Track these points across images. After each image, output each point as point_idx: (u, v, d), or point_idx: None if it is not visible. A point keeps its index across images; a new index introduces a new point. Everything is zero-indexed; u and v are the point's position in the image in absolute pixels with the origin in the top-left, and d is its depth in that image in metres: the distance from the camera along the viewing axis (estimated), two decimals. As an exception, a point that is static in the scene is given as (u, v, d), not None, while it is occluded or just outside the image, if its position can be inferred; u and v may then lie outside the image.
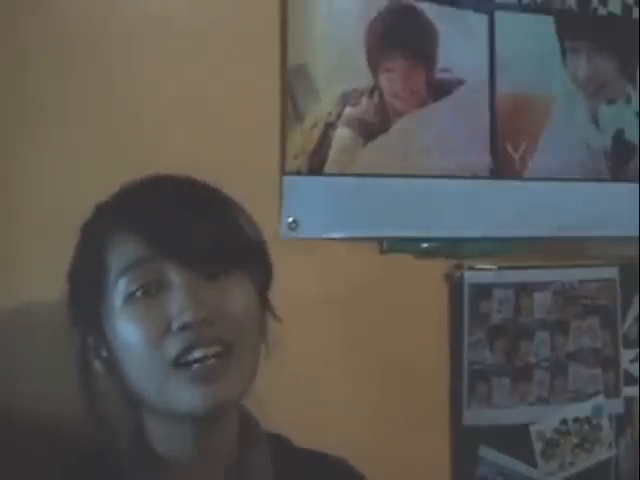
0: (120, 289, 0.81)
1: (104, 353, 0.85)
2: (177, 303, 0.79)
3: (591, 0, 1.45)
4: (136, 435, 0.86)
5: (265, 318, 0.88)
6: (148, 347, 0.79)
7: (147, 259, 0.81)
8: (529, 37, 1.40)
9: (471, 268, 1.35)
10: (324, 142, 1.25)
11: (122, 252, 0.81)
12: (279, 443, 0.94)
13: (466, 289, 1.35)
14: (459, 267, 1.35)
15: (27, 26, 1.10)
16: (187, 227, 0.81)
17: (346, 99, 1.26)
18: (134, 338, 0.80)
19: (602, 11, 1.46)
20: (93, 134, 1.12)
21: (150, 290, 0.81)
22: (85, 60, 1.13)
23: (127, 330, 0.80)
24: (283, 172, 1.23)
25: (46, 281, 1.10)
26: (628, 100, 1.49)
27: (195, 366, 0.78)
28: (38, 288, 1.09)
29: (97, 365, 0.86)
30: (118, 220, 0.83)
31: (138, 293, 0.81)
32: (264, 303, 0.88)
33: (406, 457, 1.29)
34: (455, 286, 1.35)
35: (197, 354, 0.79)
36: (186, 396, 0.79)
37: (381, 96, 1.29)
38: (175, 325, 0.79)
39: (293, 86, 1.23)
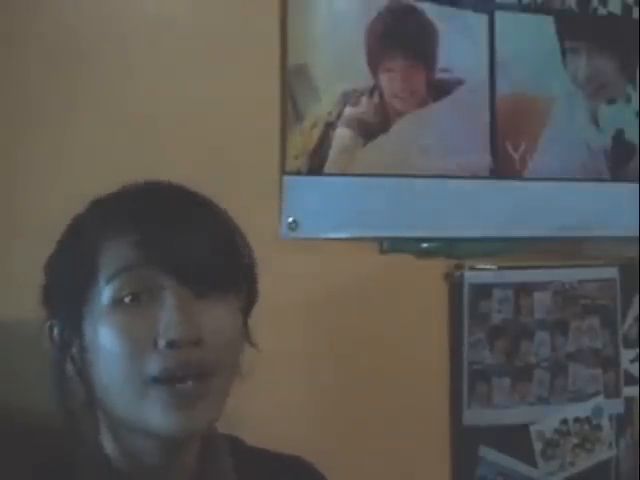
0: (108, 292, 0.77)
1: (75, 353, 0.81)
2: (167, 318, 0.76)
3: (591, 0, 1.45)
4: (92, 443, 0.83)
5: (243, 345, 0.84)
6: (129, 358, 0.76)
7: (141, 266, 0.78)
8: (529, 37, 1.40)
9: (471, 268, 1.35)
10: (324, 142, 1.25)
11: (116, 255, 0.78)
12: (235, 445, 0.91)
13: (466, 289, 1.35)
14: (459, 267, 1.35)
15: (27, 26, 1.10)
16: (185, 241, 0.78)
17: (346, 99, 1.27)
18: (115, 346, 0.76)
19: (602, 11, 1.46)
20: (93, 134, 1.12)
21: (139, 298, 0.77)
22: (85, 60, 1.13)
23: (109, 336, 0.77)
24: (283, 172, 1.23)
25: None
26: (628, 100, 1.49)
27: (173, 387, 0.75)
28: (38, 288, 1.09)
29: (68, 364, 0.82)
30: (116, 221, 0.80)
31: (127, 299, 0.77)
32: (244, 327, 0.85)
33: (406, 457, 1.29)
34: (455, 286, 1.35)
35: (179, 373, 0.76)
36: (161, 417, 0.76)
37: (381, 96, 1.29)
38: (162, 341, 0.76)
39: (293, 86, 1.24)
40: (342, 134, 1.26)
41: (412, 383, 1.32)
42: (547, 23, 1.42)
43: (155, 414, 0.76)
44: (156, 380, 0.76)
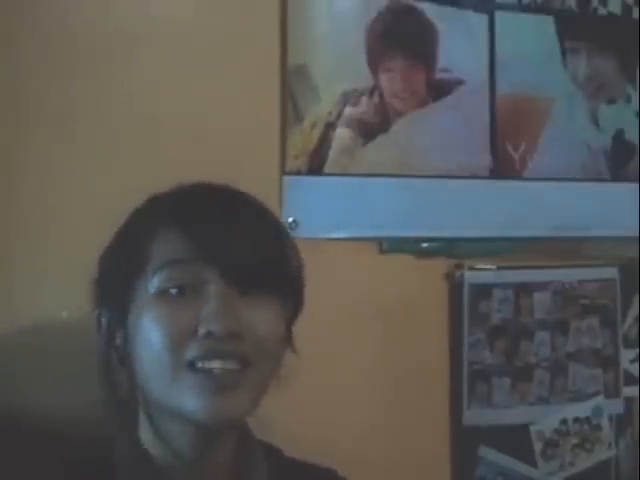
0: (155, 282, 0.81)
1: (118, 340, 0.85)
2: (208, 310, 0.79)
3: (591, 0, 1.45)
4: (131, 436, 0.86)
5: (285, 349, 0.88)
6: (169, 345, 0.79)
7: (189, 261, 0.81)
8: (529, 37, 1.40)
9: (471, 268, 1.35)
10: (324, 142, 1.25)
11: (167, 247, 0.82)
12: (272, 454, 0.93)
13: (466, 289, 1.35)
14: (459, 267, 1.35)
15: (27, 26, 1.10)
16: (234, 240, 0.82)
17: (346, 99, 1.27)
18: (157, 333, 0.79)
19: (602, 11, 1.46)
20: (93, 134, 1.12)
21: (185, 291, 0.81)
22: (85, 60, 1.13)
23: (152, 324, 0.80)
24: (283, 172, 1.23)
25: (46, 281, 1.10)
26: (628, 100, 1.49)
27: (209, 372, 0.78)
28: (38, 288, 1.09)
29: (112, 353, 0.86)
30: (168, 216, 0.83)
31: (173, 291, 0.81)
32: (288, 334, 0.89)
33: (406, 457, 1.29)
34: (455, 286, 1.35)
35: (215, 364, 0.79)
36: (196, 401, 0.79)
37: (381, 96, 1.29)
38: (201, 331, 0.79)
39: (293, 86, 1.24)
40: (342, 134, 1.26)
41: (412, 383, 1.32)
42: (547, 23, 1.42)
43: (190, 398, 0.79)
44: (192, 365, 0.79)
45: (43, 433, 1.03)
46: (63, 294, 1.09)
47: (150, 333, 0.80)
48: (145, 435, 0.86)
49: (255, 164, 1.20)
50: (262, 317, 0.82)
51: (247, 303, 0.81)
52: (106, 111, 1.13)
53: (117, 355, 0.85)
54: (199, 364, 0.79)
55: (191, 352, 0.79)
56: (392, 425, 1.29)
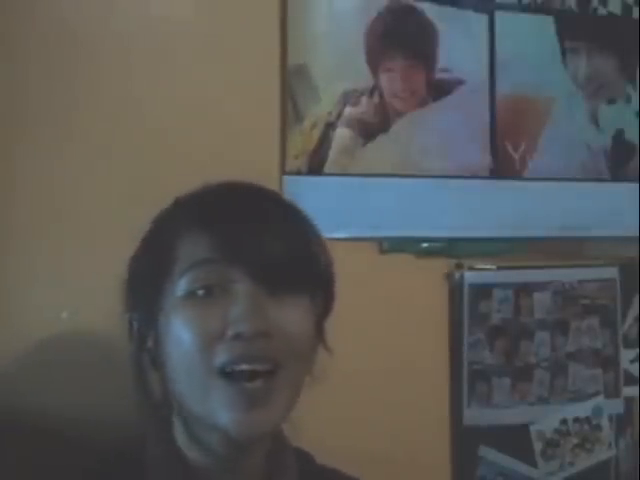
0: (183, 284, 0.80)
1: (150, 343, 0.84)
2: (237, 311, 0.78)
3: (591, 0, 1.45)
4: (167, 437, 0.85)
5: (317, 347, 0.87)
6: (198, 349, 0.78)
7: (216, 261, 0.80)
8: (529, 37, 1.40)
9: (471, 268, 1.35)
10: (324, 142, 1.25)
11: (193, 248, 0.81)
12: (302, 459, 0.93)
13: (466, 289, 1.35)
14: (459, 267, 1.35)
15: (27, 27, 1.10)
16: (261, 238, 0.81)
17: (346, 99, 1.27)
18: (186, 336, 0.78)
19: (602, 11, 1.46)
20: (93, 134, 1.12)
21: (212, 292, 0.80)
22: (85, 60, 1.13)
23: (181, 327, 0.79)
24: (283, 172, 1.23)
25: (46, 283, 1.10)
26: (628, 100, 1.49)
27: (241, 385, 0.77)
28: (38, 288, 1.09)
29: (145, 357, 0.85)
30: (195, 217, 0.83)
31: (200, 292, 0.80)
32: (319, 332, 0.88)
33: (406, 457, 1.29)
34: (455, 286, 1.35)
35: (245, 367, 0.78)
36: (228, 416, 0.78)
37: (381, 96, 1.29)
38: (230, 332, 0.78)
39: (293, 86, 1.24)
40: (342, 134, 1.26)
41: (412, 383, 1.32)
42: (547, 23, 1.42)
43: (223, 412, 0.78)
44: (222, 370, 0.77)
45: (44, 434, 1.04)
46: (63, 294, 1.09)
47: (180, 336, 0.79)
48: (179, 436, 0.85)
49: (255, 164, 1.20)
50: (291, 316, 0.81)
51: (276, 302, 0.80)
52: (106, 111, 1.13)
53: (149, 358, 0.84)
54: (229, 368, 0.77)
55: (221, 355, 0.78)
56: (392, 425, 1.29)
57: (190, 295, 0.80)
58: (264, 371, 0.78)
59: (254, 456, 0.85)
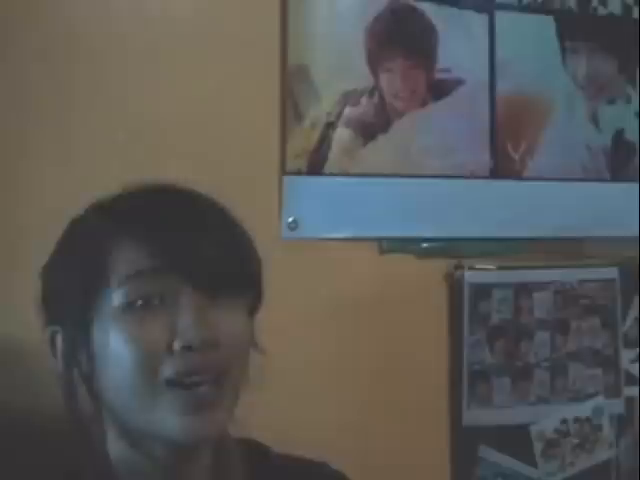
0: (120, 296, 0.76)
1: (82, 359, 0.79)
2: (183, 321, 0.75)
3: (591, 0, 1.45)
4: (99, 451, 0.82)
5: (250, 348, 0.84)
6: (142, 362, 0.75)
7: (154, 270, 0.76)
8: (529, 37, 1.40)
9: (471, 268, 1.35)
10: (324, 142, 1.25)
11: (127, 258, 0.77)
12: (255, 451, 0.90)
13: (466, 289, 1.35)
14: (459, 267, 1.35)
15: (26, 27, 1.10)
16: (195, 243, 0.78)
17: (346, 99, 1.27)
18: (127, 350, 0.75)
19: (602, 11, 1.46)
20: (93, 134, 1.12)
21: (151, 302, 0.76)
22: (85, 60, 1.13)
23: (121, 340, 0.75)
24: (283, 172, 1.23)
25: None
26: (628, 100, 1.49)
27: (189, 390, 0.75)
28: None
29: (74, 372, 0.80)
30: (125, 224, 0.79)
31: (139, 303, 0.76)
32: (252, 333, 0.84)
33: (406, 457, 1.29)
34: (455, 286, 1.35)
35: (195, 378, 0.75)
36: (175, 422, 0.75)
37: (381, 96, 1.29)
38: (178, 344, 0.75)
39: (293, 86, 1.24)
40: (342, 134, 1.26)
41: (412, 383, 1.32)
42: (547, 23, 1.42)
43: (169, 419, 0.75)
44: (171, 383, 0.75)
45: (44, 434, 1.04)
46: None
47: (120, 350, 0.75)
48: (112, 449, 0.81)
49: (255, 164, 1.20)
50: (232, 321, 0.78)
51: (217, 308, 0.77)
52: (106, 111, 1.13)
53: (81, 373, 0.80)
54: (178, 380, 0.75)
55: (168, 369, 0.75)
56: (392, 425, 1.29)
57: (128, 307, 0.76)
58: (211, 380, 0.76)
59: (197, 462, 0.82)
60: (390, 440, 1.28)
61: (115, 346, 0.76)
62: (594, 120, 1.46)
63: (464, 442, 1.35)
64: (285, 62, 1.23)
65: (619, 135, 1.48)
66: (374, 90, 1.29)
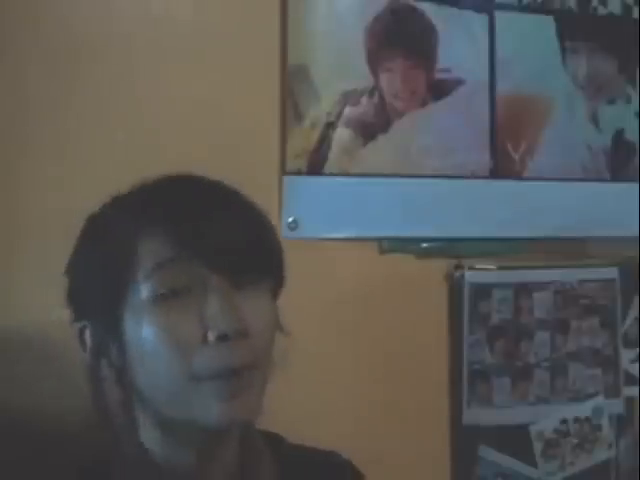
0: (148, 288, 0.77)
1: (112, 353, 0.80)
2: (214, 311, 0.76)
3: (591, 0, 1.45)
4: (131, 441, 0.83)
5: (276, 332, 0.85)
6: (177, 354, 0.76)
7: (180, 259, 0.77)
8: (529, 37, 1.40)
9: (471, 268, 1.35)
10: (324, 142, 1.25)
11: (153, 249, 0.77)
12: (273, 442, 0.92)
13: (466, 289, 1.35)
14: (459, 267, 1.35)
15: (28, 27, 1.10)
16: (216, 230, 0.78)
17: (346, 99, 1.27)
18: (161, 342, 0.76)
19: (602, 11, 1.46)
20: (93, 134, 1.12)
21: (181, 292, 0.77)
22: (85, 60, 1.13)
23: (153, 333, 0.76)
24: (283, 172, 1.23)
25: (47, 281, 1.10)
26: (628, 100, 1.49)
27: (223, 379, 0.76)
28: (39, 288, 1.09)
29: (104, 363, 0.81)
30: (145, 216, 0.79)
31: (168, 294, 0.76)
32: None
33: (406, 457, 1.29)
34: (455, 286, 1.35)
35: (229, 366, 0.76)
36: (209, 410, 0.76)
37: (381, 96, 1.29)
38: (213, 335, 0.76)
39: (293, 86, 1.24)
40: (342, 134, 1.26)
41: (412, 383, 1.32)
42: (547, 23, 1.42)
43: (206, 406, 0.76)
44: (207, 373, 0.76)
45: (44, 434, 1.04)
46: (54, 293, 1.09)
47: (154, 343, 0.76)
48: (149, 438, 0.83)
49: (255, 164, 1.20)
50: (260, 306, 0.80)
51: (244, 296, 0.78)
52: (106, 111, 1.13)
53: (110, 366, 0.81)
54: (213, 369, 0.76)
55: (205, 360, 0.76)
56: (392, 425, 1.29)
57: (158, 298, 0.77)
58: (245, 367, 0.77)
59: (228, 447, 0.84)
60: (390, 440, 1.28)
61: (148, 339, 0.77)
62: (594, 120, 1.46)
63: (464, 442, 1.35)
64: (285, 62, 1.23)
65: (619, 135, 1.48)
66: (374, 90, 1.29)
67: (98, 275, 0.80)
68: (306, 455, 0.94)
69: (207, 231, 0.78)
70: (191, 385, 0.76)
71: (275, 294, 0.84)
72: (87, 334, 0.82)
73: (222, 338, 0.76)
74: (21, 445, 1.01)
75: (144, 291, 0.77)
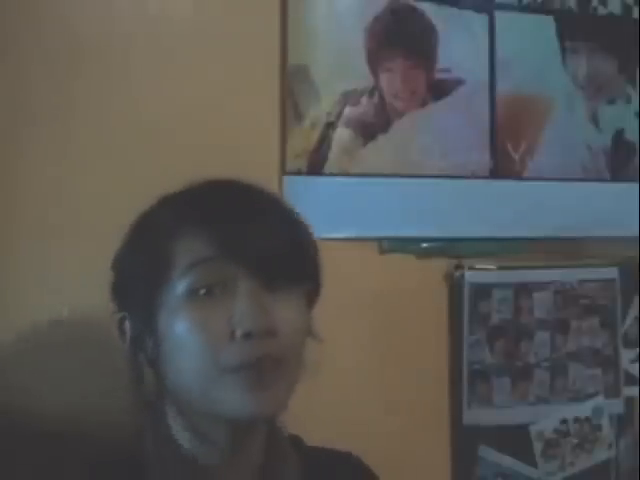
0: (183, 285, 0.80)
1: (148, 344, 0.83)
2: (242, 309, 0.79)
3: (591, 0, 1.45)
4: (163, 431, 0.86)
5: (307, 336, 0.87)
6: (205, 349, 0.79)
7: (214, 259, 0.80)
8: (529, 37, 1.40)
9: (471, 268, 1.35)
10: (324, 142, 1.25)
11: (190, 248, 0.81)
12: (296, 444, 0.94)
13: (466, 289, 1.35)
14: (459, 267, 1.35)
15: (28, 27, 1.10)
16: (257, 234, 0.81)
17: (346, 99, 1.27)
18: (192, 337, 0.79)
19: (602, 11, 1.46)
20: (93, 134, 1.12)
21: (214, 291, 0.80)
22: (86, 60, 1.13)
23: (185, 328, 0.80)
24: (283, 172, 1.23)
25: (47, 281, 1.10)
26: (628, 100, 1.49)
27: (250, 372, 0.79)
28: (39, 288, 1.09)
29: (140, 355, 0.85)
30: (188, 216, 0.83)
31: (201, 292, 0.80)
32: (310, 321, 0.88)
33: (406, 457, 1.29)
34: (455, 286, 1.35)
35: (255, 358, 0.79)
36: (236, 402, 0.79)
37: (381, 96, 1.29)
38: (239, 332, 0.79)
39: (293, 86, 1.24)
40: (342, 134, 1.26)
41: (412, 383, 1.32)
42: (547, 23, 1.42)
43: (231, 398, 0.79)
44: (233, 367, 0.79)
45: (42, 433, 1.04)
46: (64, 292, 1.09)
47: (183, 338, 0.80)
48: (178, 431, 0.85)
49: (255, 164, 1.20)
50: (291, 310, 0.82)
51: (275, 297, 0.81)
52: (106, 111, 1.13)
53: (146, 357, 0.84)
54: (239, 367, 0.79)
55: (231, 356, 0.79)
56: (392, 425, 1.29)
57: (191, 295, 0.80)
58: (271, 362, 0.80)
59: (253, 445, 0.86)
60: (390, 439, 1.28)
61: (180, 333, 0.80)
62: (594, 120, 1.46)
63: (464, 442, 1.35)
64: (285, 62, 1.23)
65: (619, 135, 1.48)
66: (374, 90, 1.29)
67: (139, 270, 0.84)
68: (323, 456, 0.96)
69: (243, 234, 0.81)
70: (218, 378, 0.79)
71: (310, 301, 0.87)
72: (127, 325, 0.85)
73: (247, 336, 0.79)
74: (35, 444, 1.02)
75: (179, 287, 0.81)
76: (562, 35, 1.43)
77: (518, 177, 1.39)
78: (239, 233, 0.81)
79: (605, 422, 1.45)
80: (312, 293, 0.87)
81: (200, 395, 0.80)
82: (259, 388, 0.79)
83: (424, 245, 1.33)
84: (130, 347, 0.85)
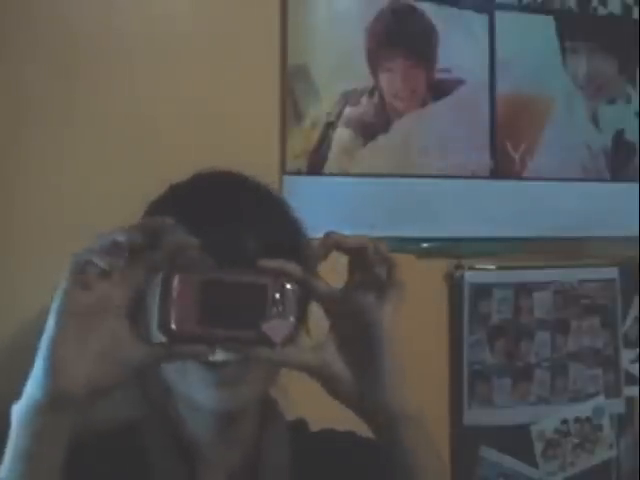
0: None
1: None
2: None
3: (591, 0, 1.45)
4: (162, 414, 0.90)
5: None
6: None
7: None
8: (529, 37, 1.40)
9: (471, 268, 1.35)
10: (324, 142, 1.25)
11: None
12: (297, 428, 0.97)
13: (466, 289, 1.35)
14: (459, 267, 1.35)
15: (28, 27, 1.10)
16: (237, 230, 0.83)
17: (346, 99, 1.27)
18: None
19: (602, 11, 1.46)
20: (93, 134, 1.12)
21: None
22: (86, 60, 1.13)
23: None
24: (283, 172, 1.23)
25: (46, 280, 1.10)
26: (628, 100, 1.49)
27: (214, 371, 0.81)
28: (39, 287, 1.09)
29: None
30: (184, 211, 0.82)
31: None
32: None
33: (406, 457, 1.28)
34: (455, 286, 1.35)
35: (218, 356, 0.78)
36: (206, 396, 0.83)
37: (381, 96, 1.29)
38: None
39: (293, 86, 1.24)
40: (342, 134, 1.26)
41: (412, 383, 1.31)
42: (547, 23, 1.42)
43: (201, 393, 0.83)
44: (201, 364, 0.81)
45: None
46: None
47: None
48: (175, 414, 0.89)
49: (255, 164, 1.19)
50: None
51: None
52: (106, 111, 1.13)
53: None
54: (207, 362, 0.80)
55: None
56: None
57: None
58: (236, 361, 0.81)
59: (242, 426, 0.90)
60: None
61: None
62: (594, 120, 1.46)
63: (465, 442, 1.35)
64: (285, 62, 1.23)
65: (619, 135, 1.48)
66: (374, 90, 1.29)
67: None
68: (326, 438, 0.99)
69: (227, 232, 0.82)
70: (190, 372, 0.82)
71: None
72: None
73: None
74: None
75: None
76: (562, 35, 1.43)
77: (518, 177, 1.39)
78: (218, 231, 0.81)
79: (606, 422, 1.45)
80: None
81: (178, 384, 0.85)
82: (225, 384, 0.82)
83: (424, 245, 1.33)
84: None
